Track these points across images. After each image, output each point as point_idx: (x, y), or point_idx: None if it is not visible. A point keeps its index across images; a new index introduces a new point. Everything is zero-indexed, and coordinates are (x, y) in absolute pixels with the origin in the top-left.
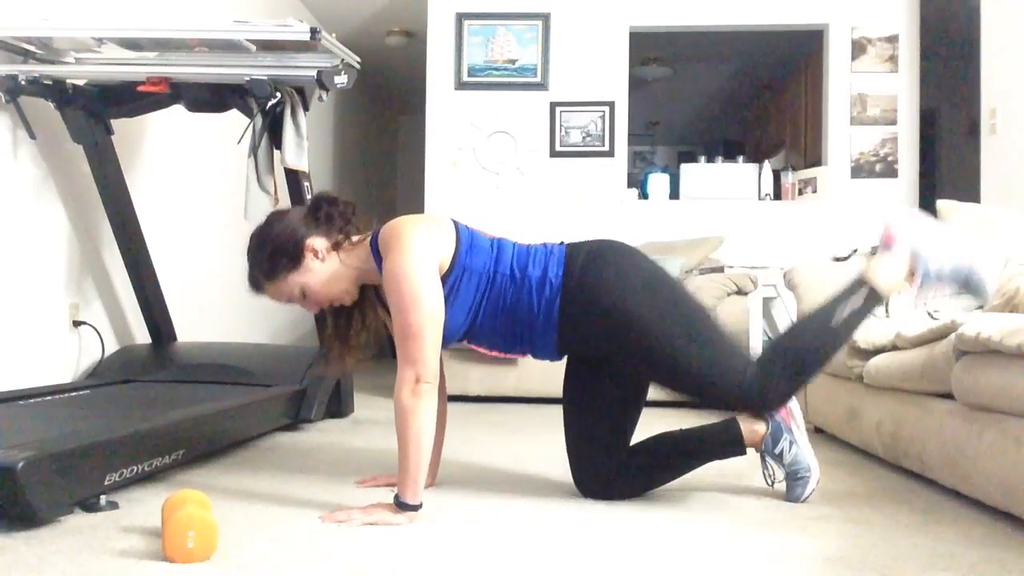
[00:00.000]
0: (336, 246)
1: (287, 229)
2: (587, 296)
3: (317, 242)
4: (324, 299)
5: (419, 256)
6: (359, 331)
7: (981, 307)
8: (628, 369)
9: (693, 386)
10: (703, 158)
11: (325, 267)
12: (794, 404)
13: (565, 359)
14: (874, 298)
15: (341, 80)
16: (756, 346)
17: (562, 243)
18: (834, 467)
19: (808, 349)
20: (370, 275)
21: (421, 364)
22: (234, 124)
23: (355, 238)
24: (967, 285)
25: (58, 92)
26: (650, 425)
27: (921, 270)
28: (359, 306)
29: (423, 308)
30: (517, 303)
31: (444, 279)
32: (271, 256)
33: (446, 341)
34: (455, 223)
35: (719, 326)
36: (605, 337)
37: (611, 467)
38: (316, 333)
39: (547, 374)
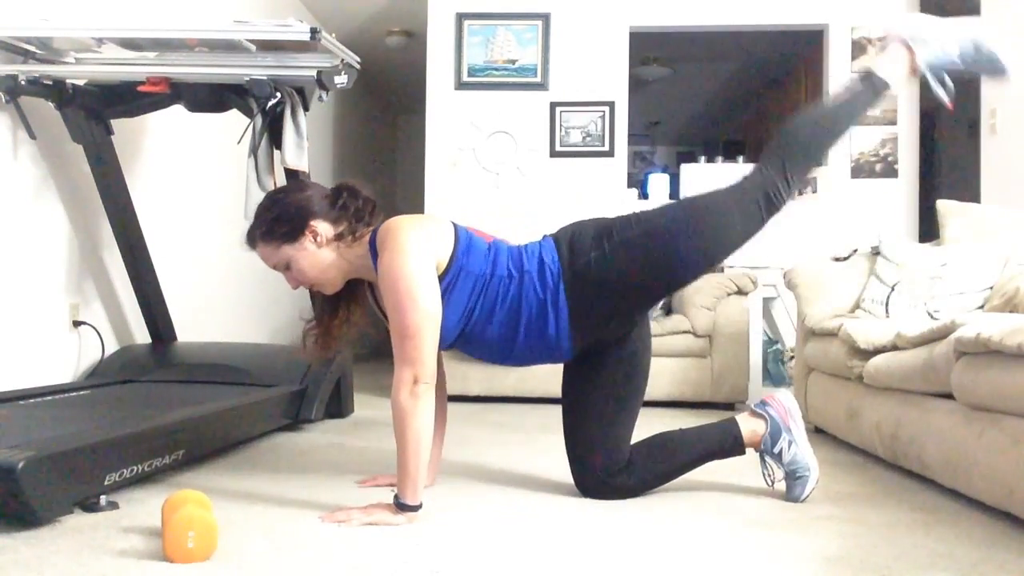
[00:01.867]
0: (339, 237)
1: (301, 201)
2: (582, 260)
3: (322, 226)
4: (307, 281)
5: (416, 255)
6: (343, 323)
7: (1001, 77)
8: (656, 299)
9: (721, 232)
10: (703, 158)
11: (319, 252)
12: (793, 404)
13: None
14: (871, 79)
15: (341, 80)
16: (756, 349)
17: (545, 236)
18: (834, 467)
19: (808, 133)
20: (364, 271)
21: (419, 364)
22: (234, 124)
23: (359, 233)
24: (978, 61)
25: (58, 92)
26: (650, 425)
27: (922, 59)
28: (350, 301)
29: (420, 307)
30: (521, 298)
31: (440, 279)
32: (274, 220)
33: (442, 341)
34: (454, 225)
35: (695, 195)
36: (620, 282)
37: (611, 467)
38: None
39: (547, 374)
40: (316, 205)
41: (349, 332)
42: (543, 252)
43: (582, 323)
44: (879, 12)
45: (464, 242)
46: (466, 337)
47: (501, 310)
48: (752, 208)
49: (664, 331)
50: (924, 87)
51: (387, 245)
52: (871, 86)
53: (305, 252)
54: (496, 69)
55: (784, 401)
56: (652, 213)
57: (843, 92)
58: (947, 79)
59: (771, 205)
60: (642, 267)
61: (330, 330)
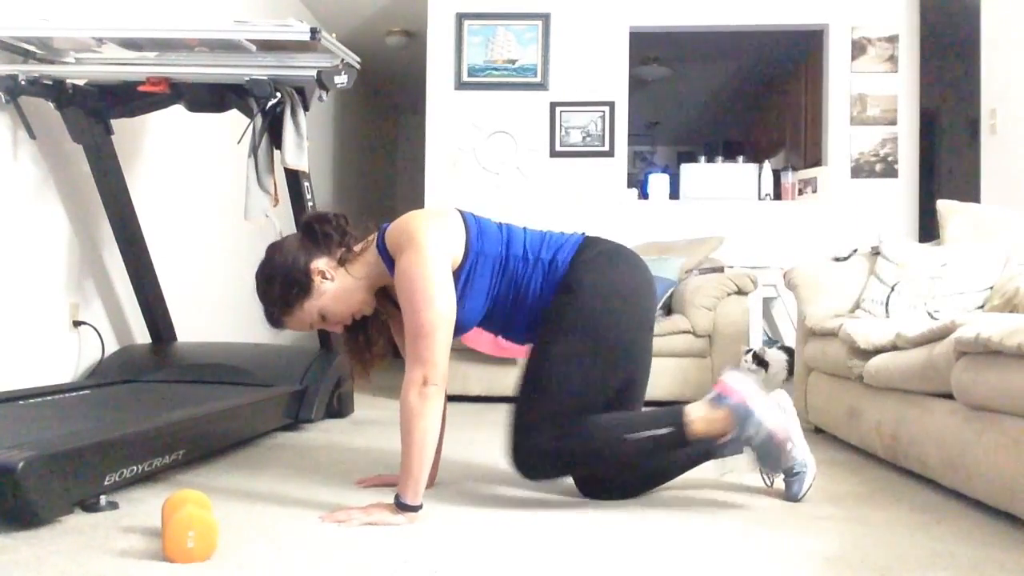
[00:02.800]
0: (341, 261)
1: (288, 259)
2: (572, 289)
3: (321, 263)
4: (345, 315)
5: (433, 256)
6: (377, 339)
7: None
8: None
9: (528, 404)
10: (703, 158)
11: (336, 285)
12: (788, 402)
13: None
14: (678, 435)
15: (341, 80)
16: (756, 345)
17: (583, 234)
18: (834, 467)
19: (599, 442)
20: (382, 278)
21: (430, 365)
22: (234, 124)
23: (357, 248)
24: (766, 459)
25: (58, 92)
26: None
27: (736, 431)
28: (370, 317)
29: (436, 308)
30: (529, 282)
31: (460, 269)
32: (282, 289)
33: (466, 327)
34: (460, 212)
35: (606, 391)
36: (550, 311)
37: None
38: (315, 333)
39: None
40: (301, 251)
41: (383, 341)
42: (563, 247)
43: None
44: (879, 12)
45: (475, 227)
46: (489, 315)
47: (517, 289)
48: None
49: (664, 331)
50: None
51: (403, 246)
52: (669, 438)
53: (325, 294)
54: (496, 69)
55: (779, 400)
56: (593, 365)
57: (646, 434)
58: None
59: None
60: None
61: (371, 351)
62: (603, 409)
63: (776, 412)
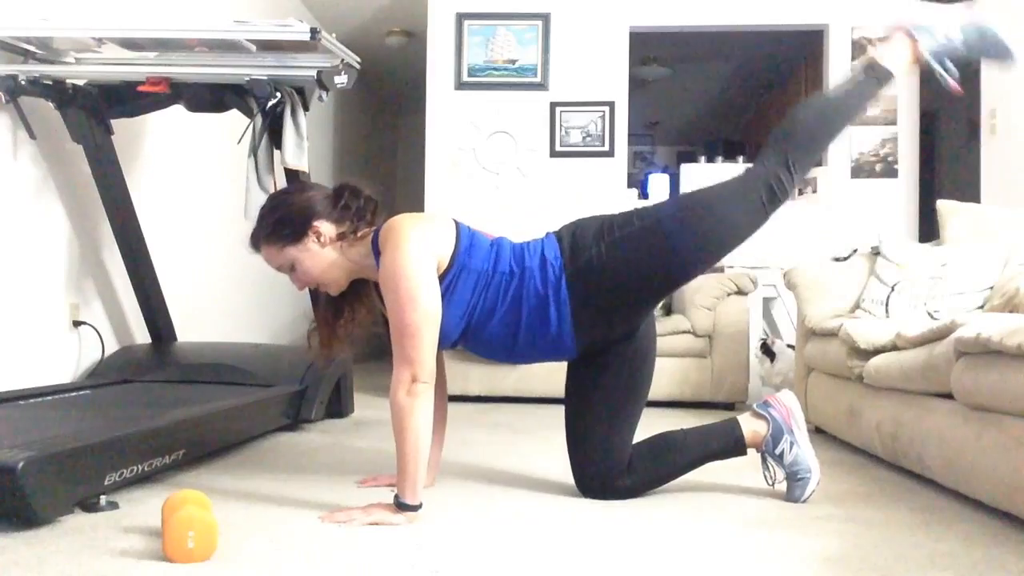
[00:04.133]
0: (342, 236)
1: (303, 202)
2: (584, 256)
3: (325, 226)
4: (312, 281)
5: (417, 254)
6: (347, 323)
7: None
8: (658, 297)
9: (724, 227)
10: (703, 158)
11: (323, 252)
12: (795, 405)
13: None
14: (875, 69)
15: (341, 80)
16: (755, 346)
17: (548, 233)
18: (834, 467)
19: (812, 121)
20: (367, 271)
21: (417, 364)
22: (234, 124)
23: (361, 233)
24: (983, 46)
25: (58, 92)
26: (650, 425)
27: (925, 47)
28: (354, 300)
29: (420, 306)
30: (522, 295)
31: (442, 277)
32: (277, 222)
33: (442, 342)
34: (456, 222)
35: (697, 189)
36: (622, 279)
37: (612, 467)
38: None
39: (547, 374)
40: (319, 205)
41: (354, 331)
42: (545, 248)
43: (584, 319)
44: (879, 12)
45: (466, 240)
46: (469, 335)
47: (502, 307)
48: (755, 201)
49: (664, 331)
50: (925, 83)
51: (389, 244)
52: (874, 76)
53: (308, 252)
54: (496, 69)
55: (786, 402)
56: (652, 209)
57: (846, 83)
58: (951, 65)
59: (774, 197)
60: (642, 263)
61: (335, 330)
62: None
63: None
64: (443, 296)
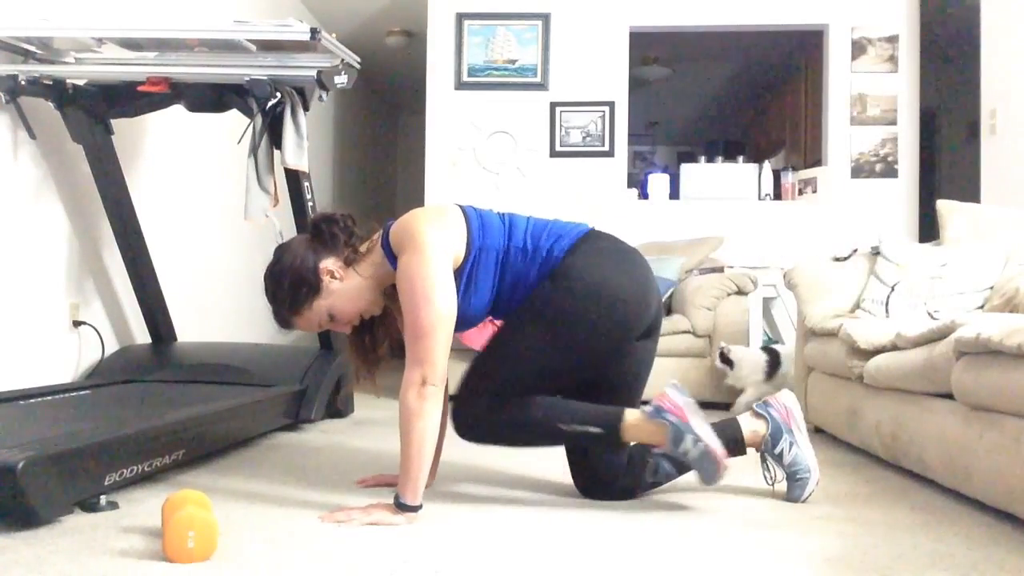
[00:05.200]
0: (348, 261)
1: (297, 259)
2: (561, 283)
3: (329, 263)
4: (353, 315)
5: (434, 255)
6: (382, 340)
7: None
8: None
9: (481, 371)
10: (703, 158)
11: (345, 285)
12: (795, 405)
13: None
14: (611, 437)
15: (341, 80)
16: (755, 345)
17: (588, 228)
18: (834, 467)
19: (533, 421)
20: (388, 277)
21: (429, 366)
22: (234, 124)
23: (363, 248)
24: (705, 474)
25: (58, 92)
26: None
27: (670, 445)
28: (371, 324)
29: (436, 308)
30: (526, 275)
31: (463, 265)
32: (291, 289)
33: (474, 321)
34: (461, 208)
35: (551, 380)
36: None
37: (612, 468)
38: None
39: None
40: (310, 251)
41: (390, 343)
42: (564, 237)
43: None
44: (879, 12)
45: (476, 222)
46: (499, 307)
47: (520, 278)
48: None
49: (664, 331)
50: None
51: (404, 245)
52: (610, 435)
53: (334, 293)
54: (496, 69)
55: (786, 402)
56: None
57: (580, 427)
58: (667, 466)
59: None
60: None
61: (376, 353)
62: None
63: (711, 431)
64: (468, 280)
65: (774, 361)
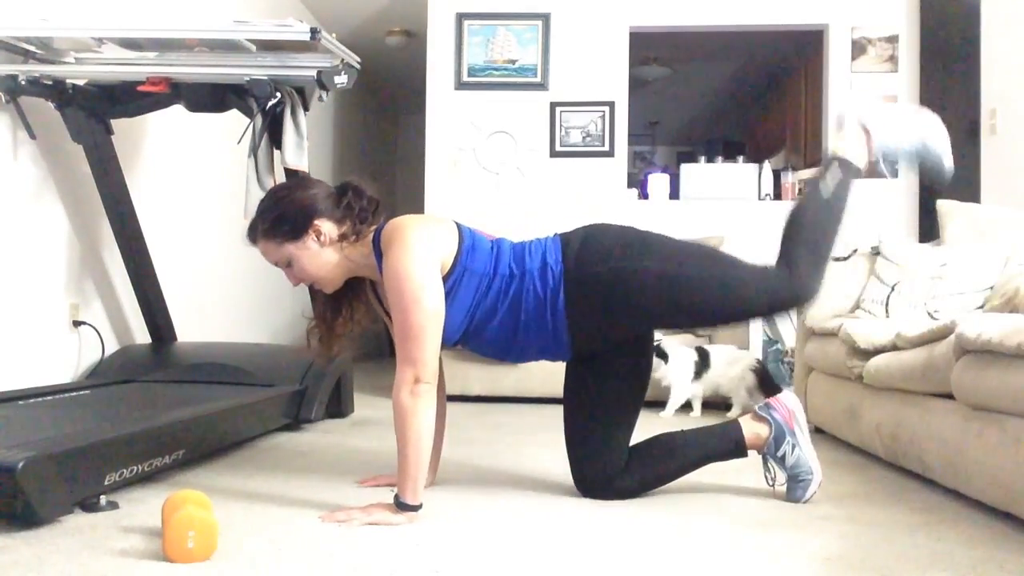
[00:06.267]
0: (343, 237)
1: (305, 200)
2: (589, 270)
3: (326, 225)
4: (308, 279)
5: (421, 255)
6: (345, 322)
7: (940, 180)
8: (651, 328)
9: (726, 309)
10: (703, 158)
11: (321, 252)
12: (798, 407)
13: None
14: (848, 166)
15: (341, 80)
16: (756, 349)
17: (556, 235)
18: (834, 467)
19: (815, 227)
20: (366, 270)
21: (420, 364)
22: (234, 124)
23: (362, 233)
24: (924, 160)
25: (58, 92)
26: (650, 426)
27: (878, 145)
28: (352, 299)
29: (424, 307)
30: (521, 297)
31: (444, 279)
32: (277, 217)
33: (444, 343)
34: (458, 224)
35: (723, 253)
36: (621, 305)
37: (611, 467)
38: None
39: (547, 374)
40: (321, 204)
41: (353, 330)
42: (547, 252)
43: (580, 327)
44: (879, 12)
45: (468, 241)
46: (470, 335)
47: (502, 309)
48: (760, 305)
49: (664, 331)
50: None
51: (393, 245)
52: (848, 172)
53: (308, 251)
54: (496, 69)
55: (788, 404)
56: (675, 251)
57: (828, 182)
58: (893, 168)
59: (776, 311)
60: (642, 304)
61: (333, 328)
62: None
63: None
64: (446, 298)
65: (703, 361)
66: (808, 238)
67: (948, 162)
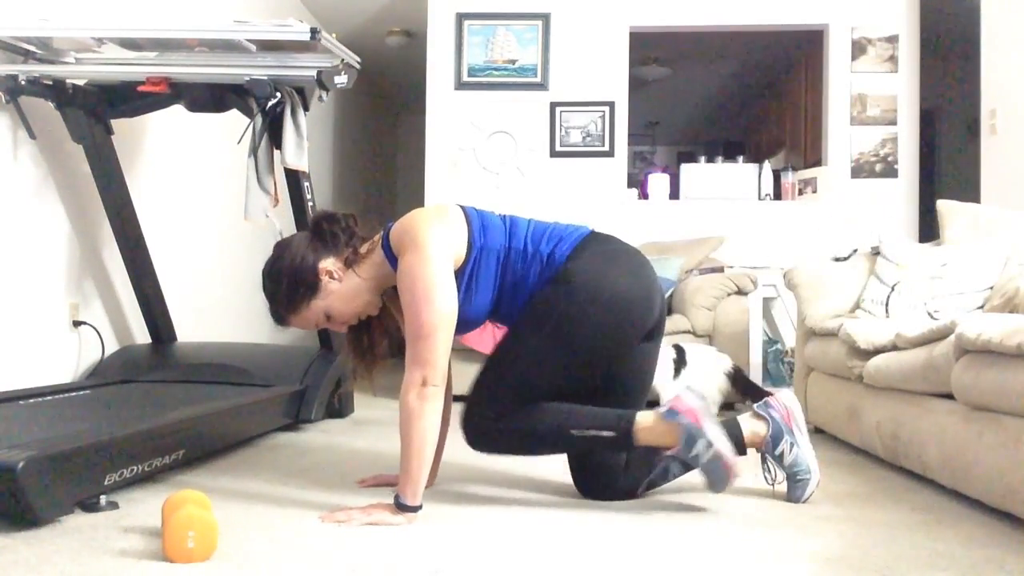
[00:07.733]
0: (348, 262)
1: (297, 258)
2: (563, 276)
3: (329, 263)
4: (350, 316)
5: (435, 256)
6: (380, 340)
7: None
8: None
9: (489, 379)
10: (703, 158)
11: (344, 285)
12: (796, 406)
13: None
14: (623, 440)
15: (341, 80)
16: (756, 349)
17: (590, 229)
18: (834, 467)
19: (545, 429)
20: (388, 279)
21: (430, 366)
22: (234, 124)
23: (363, 248)
24: (714, 479)
25: (58, 92)
26: None
27: (681, 448)
28: (368, 325)
29: (436, 309)
30: (526, 278)
31: (464, 265)
32: (288, 288)
33: (476, 322)
34: (462, 208)
35: (558, 385)
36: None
37: (611, 468)
38: (315, 333)
39: None
40: (310, 250)
41: (388, 342)
42: (564, 240)
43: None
44: (879, 12)
45: (477, 222)
46: (502, 307)
47: (514, 281)
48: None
49: (665, 331)
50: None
51: (405, 245)
52: (624, 439)
53: (332, 294)
54: (496, 69)
55: (787, 402)
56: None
57: (600, 426)
58: (677, 469)
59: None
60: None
61: (374, 352)
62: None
63: (724, 436)
64: (469, 280)
65: (680, 359)
66: (531, 429)
67: (723, 486)
